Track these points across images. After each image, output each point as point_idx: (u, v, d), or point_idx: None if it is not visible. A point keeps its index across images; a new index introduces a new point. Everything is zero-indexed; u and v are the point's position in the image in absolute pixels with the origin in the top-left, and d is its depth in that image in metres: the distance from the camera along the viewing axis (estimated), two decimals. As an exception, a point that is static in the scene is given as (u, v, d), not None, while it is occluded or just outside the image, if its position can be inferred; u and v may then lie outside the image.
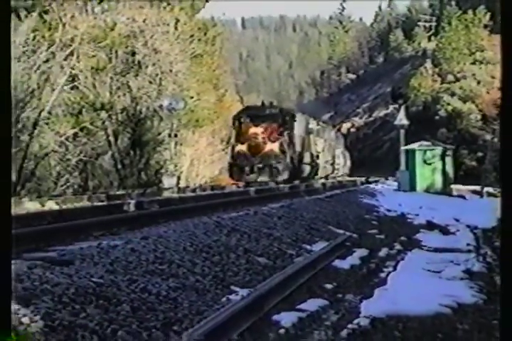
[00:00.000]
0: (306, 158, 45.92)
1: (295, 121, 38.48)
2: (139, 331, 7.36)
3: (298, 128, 43.56)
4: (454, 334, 7.88)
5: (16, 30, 34.98)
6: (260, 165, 33.42)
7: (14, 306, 6.91)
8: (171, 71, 40.64)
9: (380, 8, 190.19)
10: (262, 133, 34.33)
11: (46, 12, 37.64)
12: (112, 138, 38.59)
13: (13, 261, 8.89)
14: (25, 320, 6.74)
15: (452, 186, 45.69)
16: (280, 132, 35.10)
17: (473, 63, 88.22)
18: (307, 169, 46.10)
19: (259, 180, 33.44)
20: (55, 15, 36.86)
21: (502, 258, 4.49)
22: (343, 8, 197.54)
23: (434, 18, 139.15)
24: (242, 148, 34.30)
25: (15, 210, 18.11)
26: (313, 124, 49.62)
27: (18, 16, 36.80)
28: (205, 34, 54.08)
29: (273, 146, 33.99)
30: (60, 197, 24.64)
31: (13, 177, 35.03)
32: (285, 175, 34.54)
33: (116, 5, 39.85)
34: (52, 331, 6.64)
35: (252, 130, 34.55)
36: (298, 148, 40.63)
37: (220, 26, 65.97)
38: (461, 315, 8.83)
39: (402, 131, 50.12)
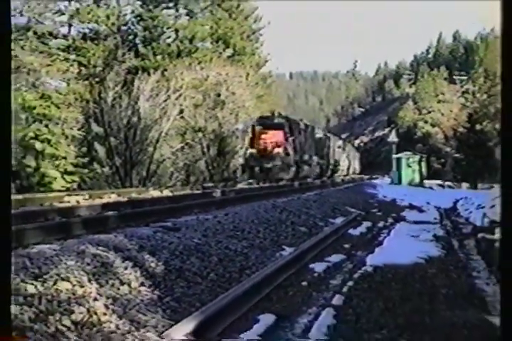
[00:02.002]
0: (331, 162, 46.28)
1: (301, 128, 35.61)
2: (224, 274, 7.84)
3: (333, 144, 45.95)
4: (425, 275, 8.20)
5: (146, 81, 37.36)
6: (268, 166, 31.06)
7: (144, 256, 7.34)
8: (243, 106, 41.74)
9: (379, 65, 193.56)
10: (270, 139, 31.67)
11: (165, 69, 38.70)
12: (205, 150, 39.48)
13: (142, 228, 9.51)
14: (153, 264, 7.15)
15: (425, 181, 46.84)
16: (286, 138, 32.04)
17: (438, 102, 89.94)
18: (330, 169, 46.17)
19: (266, 178, 30.89)
20: (171, 72, 38.17)
21: (502, 257, 3.57)
22: (355, 66, 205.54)
23: (413, 73, 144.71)
24: (253, 151, 31.66)
25: (144, 195, 18.87)
26: (338, 141, 50.05)
27: (148, 73, 38.01)
28: (264, 82, 55.41)
29: (279, 150, 31.40)
30: (172, 187, 25.11)
31: (144, 174, 37.66)
32: (290, 174, 31.89)
33: (209, 64, 41.12)
34: (169, 272, 7.07)
35: (263, 136, 31.91)
36: (320, 154, 39.21)
37: (274, 77, 66.48)
38: (430, 263, 9.22)
39: (393, 145, 51.54)
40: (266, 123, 32.92)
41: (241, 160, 33.10)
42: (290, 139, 32.32)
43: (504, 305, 3.54)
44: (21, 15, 32.13)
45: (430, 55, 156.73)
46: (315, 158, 38.55)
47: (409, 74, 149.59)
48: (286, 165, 31.62)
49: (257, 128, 32.67)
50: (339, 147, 49.48)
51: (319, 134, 41.73)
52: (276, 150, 31.51)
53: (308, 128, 38.39)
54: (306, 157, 35.62)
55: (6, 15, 3.65)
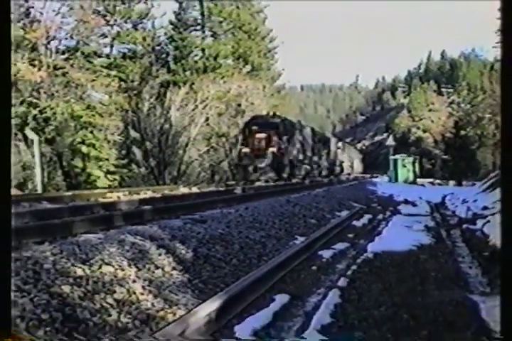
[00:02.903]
0: (337, 163, 45.19)
1: (297, 129, 32.02)
2: (244, 259, 7.86)
3: (333, 145, 42.84)
4: (418, 260, 8.17)
5: (177, 94, 37.32)
6: (262, 165, 27.49)
7: (176, 244, 7.37)
8: (260, 115, 41.83)
9: (378, 79, 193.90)
10: (264, 139, 27.99)
11: (193, 83, 38.68)
12: (228, 152, 39.33)
13: (174, 220, 9.48)
14: (183, 251, 7.18)
15: (418, 179, 46.63)
16: (280, 137, 28.33)
17: (429, 111, 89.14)
18: (337, 169, 45.16)
19: (261, 178, 27.36)
20: (198, 85, 38.06)
21: (503, 257, 3.52)
22: (357, 80, 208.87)
23: (407, 86, 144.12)
24: (247, 150, 28.08)
25: (175, 192, 18.87)
26: (338, 143, 47.33)
27: (178, 86, 38.37)
28: (279, 93, 55.16)
29: (273, 150, 27.72)
30: (199, 185, 25.16)
31: (175, 173, 37.81)
32: (284, 174, 28.42)
33: (231, 78, 41.19)
34: (197, 258, 7.11)
35: (257, 135, 28.20)
36: (309, 154, 34.18)
37: (287, 89, 66.01)
38: (422, 250, 9.16)
39: (391, 148, 51.38)
40: (260, 122, 29.38)
41: (235, 160, 29.54)
42: (285, 138, 28.86)
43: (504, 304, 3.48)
44: (71, 38, 32.40)
45: (421, 71, 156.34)
46: (314, 158, 35.65)
47: (404, 87, 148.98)
48: (281, 165, 28.16)
49: (252, 127, 29.17)
50: (339, 148, 46.82)
51: (318, 135, 38.47)
52: (270, 149, 27.90)
53: (306, 129, 35.08)
54: (302, 157, 31.98)
55: (6, 15, 3.48)
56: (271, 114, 32.30)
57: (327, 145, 40.49)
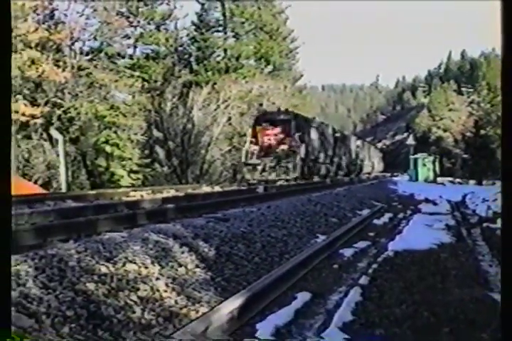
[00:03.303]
0: (357, 162, 43.73)
1: (312, 126, 29.55)
2: (266, 258, 7.84)
3: (352, 143, 41.57)
4: (438, 259, 8.10)
5: (199, 94, 37.32)
6: (272, 164, 25.44)
7: (199, 242, 7.35)
8: (282, 114, 41.52)
9: (398, 79, 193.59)
10: (274, 136, 26.29)
11: (215, 83, 38.99)
12: None
13: (196, 218, 9.43)
14: (206, 249, 7.15)
15: (438, 178, 46.48)
16: (292, 134, 26.21)
17: (449, 110, 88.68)
18: (357, 168, 43.68)
19: (270, 178, 25.30)
20: (220, 85, 38.36)
21: (503, 257, 3.40)
22: (378, 79, 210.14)
23: (427, 86, 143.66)
24: (256, 148, 26.07)
25: (197, 191, 18.87)
26: (357, 141, 46.01)
27: (201, 86, 38.42)
28: (300, 93, 55.07)
29: (284, 147, 25.87)
30: (222, 184, 25.59)
31: (197, 173, 37.90)
32: (296, 173, 25.80)
33: (252, 78, 41.40)
34: (220, 256, 7.10)
35: (267, 132, 26.40)
36: (330, 152, 32.59)
37: (308, 89, 66.23)
38: (443, 248, 9.11)
39: (411, 148, 51.68)
40: (270, 118, 27.30)
41: (242, 158, 27.10)
42: (297, 136, 26.52)
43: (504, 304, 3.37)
44: (95, 39, 32.58)
45: (441, 70, 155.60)
46: (332, 157, 33.69)
47: (424, 87, 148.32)
48: (292, 164, 25.78)
49: (261, 123, 27.13)
50: (358, 146, 45.00)
51: (336, 133, 36.23)
52: (281, 147, 26.07)
53: (322, 126, 32.59)
54: (317, 155, 29.72)
55: (6, 16, 3.42)
56: (282, 109, 30.44)
57: (346, 143, 39.23)
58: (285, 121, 26.85)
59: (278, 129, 26.53)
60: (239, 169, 35.41)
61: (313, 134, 29.40)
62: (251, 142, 26.78)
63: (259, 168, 25.57)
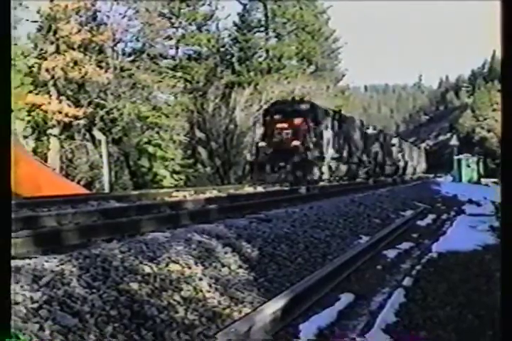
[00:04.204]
0: (394, 162, 41.35)
1: (337, 119, 26.00)
2: (309, 258, 7.81)
3: (386, 141, 39.06)
4: (482, 260, 7.99)
5: (242, 94, 37.37)
6: (282, 164, 21.99)
7: (242, 243, 7.32)
8: (324, 114, 41.28)
9: (441, 79, 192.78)
10: (287, 130, 22.41)
11: (257, 84, 39.10)
12: None
13: (239, 219, 9.43)
14: (249, 250, 7.17)
15: (482, 179, 45.34)
16: (309, 129, 22.83)
17: (493, 110, 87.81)
18: (392, 169, 40.76)
19: (280, 180, 22.15)
20: (262, 86, 38.38)
21: (503, 257, 3.27)
22: (421, 79, 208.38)
23: (471, 86, 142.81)
24: (263, 144, 22.71)
25: (240, 191, 18.66)
26: (393, 139, 43.01)
27: (243, 87, 38.51)
28: (343, 94, 54.94)
29: (298, 143, 22.05)
30: (264, 184, 23.05)
31: (240, 173, 37.69)
32: (315, 175, 23.07)
33: (295, 79, 41.15)
34: (263, 257, 7.09)
35: (279, 125, 22.61)
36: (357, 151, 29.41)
37: (351, 89, 65.61)
38: (487, 250, 8.95)
39: (455, 148, 50.98)
40: (284, 109, 23.50)
41: (249, 157, 24.37)
42: (314, 130, 23.24)
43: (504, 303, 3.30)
44: (137, 40, 32.91)
45: (485, 70, 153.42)
46: (362, 157, 30.68)
47: (468, 87, 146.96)
48: (308, 163, 22.50)
49: (273, 115, 23.57)
50: (393, 145, 41.48)
51: (369, 130, 33.27)
52: (295, 143, 22.23)
53: (348, 121, 28.84)
54: (341, 154, 26.56)
55: (6, 16, 3.38)
56: (297, 98, 27.08)
57: (380, 141, 36.59)
58: (301, 112, 23.40)
59: (293, 122, 22.84)
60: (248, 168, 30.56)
61: (339, 129, 26.37)
62: (261, 137, 24.28)
63: (268, 167, 22.48)
